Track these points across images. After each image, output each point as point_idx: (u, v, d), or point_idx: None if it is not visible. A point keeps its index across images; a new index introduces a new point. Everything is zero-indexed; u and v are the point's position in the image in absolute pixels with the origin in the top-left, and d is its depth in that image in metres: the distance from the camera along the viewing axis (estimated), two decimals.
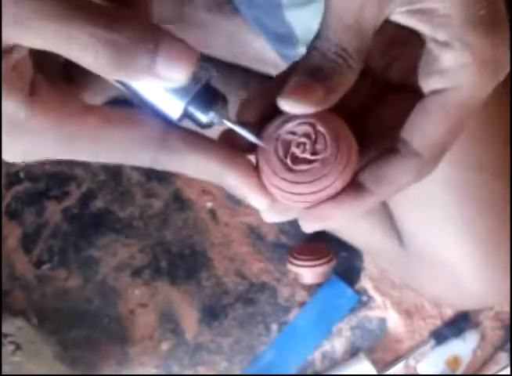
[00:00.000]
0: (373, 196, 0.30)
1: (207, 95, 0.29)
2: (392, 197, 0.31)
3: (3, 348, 0.80)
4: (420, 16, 0.29)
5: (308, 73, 0.29)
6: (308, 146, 0.29)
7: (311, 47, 0.30)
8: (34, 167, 0.95)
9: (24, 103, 0.26)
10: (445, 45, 0.29)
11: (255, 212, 0.92)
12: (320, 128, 0.29)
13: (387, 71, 0.33)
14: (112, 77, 0.26)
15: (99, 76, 0.26)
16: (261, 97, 0.31)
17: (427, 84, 0.30)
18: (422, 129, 0.30)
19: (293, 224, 0.90)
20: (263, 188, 0.30)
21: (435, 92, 0.30)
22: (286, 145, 0.29)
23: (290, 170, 0.29)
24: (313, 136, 0.29)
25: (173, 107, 0.28)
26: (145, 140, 0.28)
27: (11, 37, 0.24)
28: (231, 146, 0.29)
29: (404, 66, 0.32)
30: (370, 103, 0.33)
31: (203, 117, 0.29)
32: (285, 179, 0.29)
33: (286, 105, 0.28)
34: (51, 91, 0.27)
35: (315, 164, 0.29)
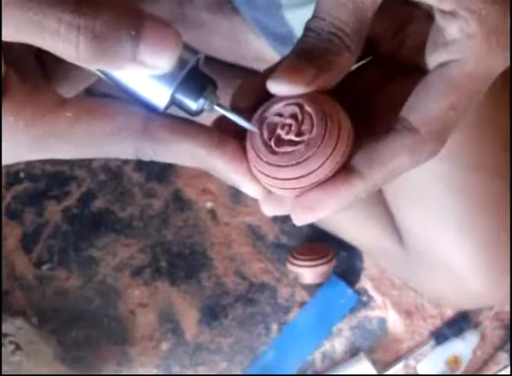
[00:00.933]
0: (363, 179, 0.27)
1: (195, 81, 0.26)
2: (392, 192, 0.28)
3: (3, 348, 0.80)
4: None
5: (299, 53, 0.27)
6: (293, 128, 0.27)
7: (306, 28, 0.28)
8: (34, 167, 0.95)
9: None
10: (451, 15, 0.27)
11: (255, 212, 0.92)
12: (308, 109, 0.26)
13: (398, 53, 0.31)
14: (93, 67, 0.24)
15: (75, 65, 0.24)
16: (255, 83, 0.29)
17: (432, 59, 0.29)
18: (421, 103, 0.27)
19: (294, 224, 0.91)
20: (253, 173, 0.28)
21: (439, 66, 0.28)
22: (272, 127, 0.27)
23: (274, 153, 0.26)
24: (300, 117, 0.27)
25: (159, 95, 0.26)
26: (125, 131, 0.26)
27: None
28: (222, 133, 0.27)
29: (414, 46, 0.31)
30: (380, 86, 0.31)
31: (192, 105, 0.27)
32: (268, 163, 0.26)
33: (274, 85, 0.27)
34: (22, 88, 0.25)
35: (300, 146, 0.26)
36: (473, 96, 0.28)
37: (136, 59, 0.24)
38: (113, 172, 0.94)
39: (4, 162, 0.27)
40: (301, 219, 0.28)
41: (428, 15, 0.29)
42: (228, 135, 0.27)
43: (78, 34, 0.22)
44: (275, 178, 0.27)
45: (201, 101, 0.27)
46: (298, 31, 0.63)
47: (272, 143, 0.27)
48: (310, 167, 0.26)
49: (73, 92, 0.29)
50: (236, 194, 0.93)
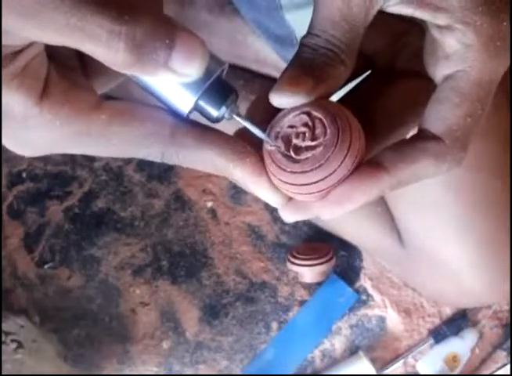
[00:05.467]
0: (389, 174, 0.28)
1: (218, 90, 0.28)
2: (392, 192, 0.30)
3: (5, 347, 0.80)
4: (418, 3, 0.28)
5: (297, 66, 0.29)
6: (307, 134, 0.28)
7: (302, 44, 0.29)
8: (36, 167, 0.96)
9: (33, 100, 0.25)
10: (446, 29, 0.28)
11: (255, 212, 0.93)
12: (316, 114, 0.28)
13: (395, 62, 0.33)
14: (127, 72, 0.25)
15: None
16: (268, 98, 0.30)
17: (437, 72, 0.30)
18: (439, 116, 0.29)
19: (294, 224, 0.91)
20: (272, 184, 0.29)
21: (446, 78, 0.29)
22: (287, 139, 0.28)
23: (296, 161, 0.28)
24: (310, 123, 0.28)
25: (184, 101, 0.27)
26: (154, 136, 0.27)
27: (23, 33, 0.23)
28: (243, 143, 0.29)
29: (409, 55, 0.32)
30: (381, 92, 0.33)
31: (214, 112, 0.28)
32: (293, 172, 0.28)
33: (276, 98, 0.28)
34: (61, 85, 0.27)
35: (318, 149, 0.27)
36: (484, 101, 0.29)
37: (168, 67, 0.24)
38: (114, 172, 0.95)
39: (42, 152, 0.28)
40: (329, 213, 0.29)
41: (421, 27, 0.30)
42: (248, 145, 0.29)
43: (119, 40, 0.23)
44: (302, 184, 0.28)
45: (223, 109, 0.28)
46: (299, 33, 0.64)
47: (292, 153, 0.28)
48: (333, 166, 0.27)
49: (106, 87, 0.30)
50: (236, 194, 0.93)
